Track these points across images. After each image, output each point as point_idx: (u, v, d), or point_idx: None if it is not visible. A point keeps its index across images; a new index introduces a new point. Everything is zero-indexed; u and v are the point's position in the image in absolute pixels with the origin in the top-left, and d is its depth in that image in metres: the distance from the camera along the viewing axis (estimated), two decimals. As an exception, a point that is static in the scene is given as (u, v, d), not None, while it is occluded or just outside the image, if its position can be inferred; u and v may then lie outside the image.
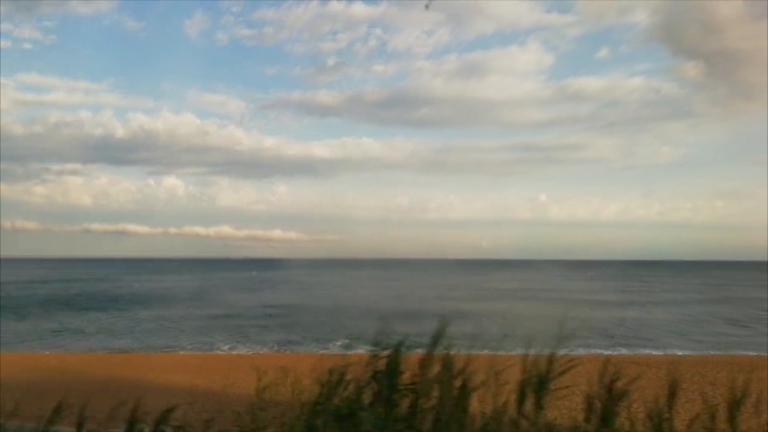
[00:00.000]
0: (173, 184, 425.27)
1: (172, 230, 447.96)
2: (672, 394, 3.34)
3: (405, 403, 3.58)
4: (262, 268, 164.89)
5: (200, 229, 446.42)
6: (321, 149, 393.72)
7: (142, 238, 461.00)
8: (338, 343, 32.69)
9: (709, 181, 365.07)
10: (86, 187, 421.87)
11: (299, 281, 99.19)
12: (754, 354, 28.45)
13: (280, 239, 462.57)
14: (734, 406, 3.27)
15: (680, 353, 29.85)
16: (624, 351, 31.67)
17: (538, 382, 3.35)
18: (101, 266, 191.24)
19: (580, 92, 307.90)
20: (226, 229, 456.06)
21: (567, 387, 3.29)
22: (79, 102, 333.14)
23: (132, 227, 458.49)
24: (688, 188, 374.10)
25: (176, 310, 48.95)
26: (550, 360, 3.32)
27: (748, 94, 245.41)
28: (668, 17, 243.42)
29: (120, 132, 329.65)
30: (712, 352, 29.69)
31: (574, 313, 50.81)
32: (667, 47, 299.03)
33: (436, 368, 3.54)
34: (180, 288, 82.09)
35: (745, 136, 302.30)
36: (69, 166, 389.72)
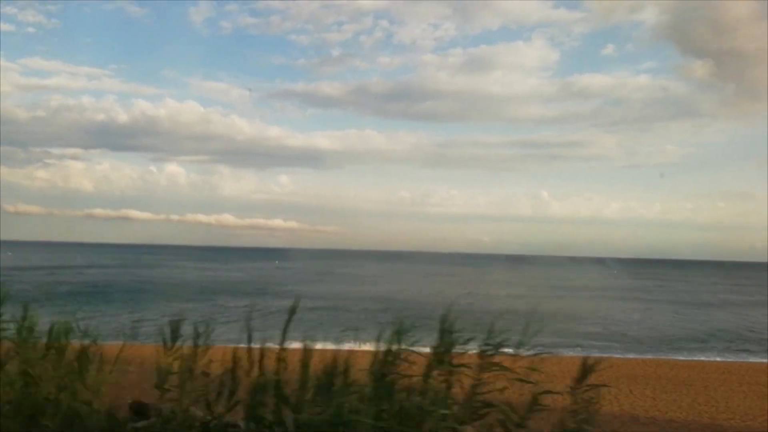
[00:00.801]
0: (175, 171, 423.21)
1: (175, 217, 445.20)
2: None
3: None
4: (275, 258, 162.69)
5: (202, 217, 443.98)
6: (324, 140, 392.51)
7: (144, 224, 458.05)
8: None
9: (715, 180, 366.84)
10: (87, 172, 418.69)
11: (342, 273, 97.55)
12: None
13: (282, 228, 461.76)
14: None
15: None
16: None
17: None
18: (114, 251, 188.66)
19: (586, 89, 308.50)
20: (228, 218, 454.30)
21: None
22: (82, 87, 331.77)
23: (134, 213, 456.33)
24: (692, 187, 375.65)
25: (268, 301, 47.27)
26: None
27: (757, 94, 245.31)
28: (678, 15, 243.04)
29: (122, 118, 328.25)
30: None
31: (680, 314, 49.70)
32: (676, 46, 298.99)
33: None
34: (231, 277, 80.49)
35: (752, 135, 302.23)
36: (70, 150, 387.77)
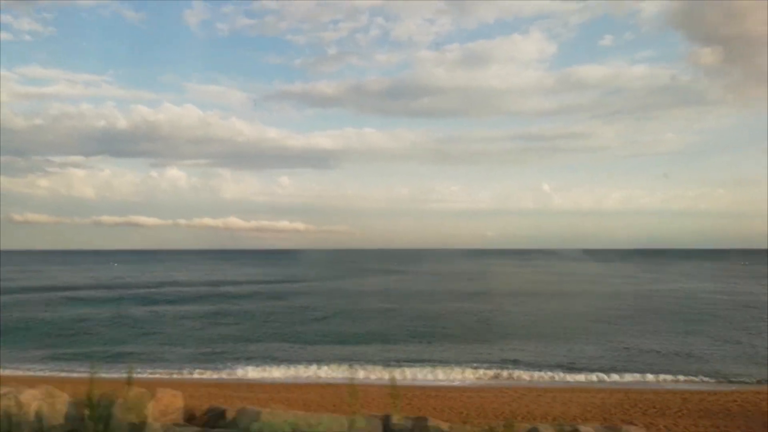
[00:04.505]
0: (176, 176, 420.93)
1: (182, 222, 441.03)
2: None
3: None
4: (312, 261, 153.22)
5: (209, 221, 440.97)
6: (324, 140, 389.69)
7: (153, 230, 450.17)
8: None
9: (718, 168, 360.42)
10: (89, 179, 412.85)
11: (496, 274, 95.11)
12: None
13: (288, 230, 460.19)
14: None
15: None
16: None
17: None
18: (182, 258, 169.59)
19: (585, 80, 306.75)
20: (235, 221, 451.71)
21: None
22: (81, 94, 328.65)
23: (142, 219, 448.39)
24: (696, 175, 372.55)
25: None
26: None
27: (764, 79, 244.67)
28: (686, 2, 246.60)
29: (122, 124, 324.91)
30: None
31: None
32: (684, 32, 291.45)
33: None
34: (426, 289, 69.49)
35: (758, 121, 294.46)
36: (71, 158, 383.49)
